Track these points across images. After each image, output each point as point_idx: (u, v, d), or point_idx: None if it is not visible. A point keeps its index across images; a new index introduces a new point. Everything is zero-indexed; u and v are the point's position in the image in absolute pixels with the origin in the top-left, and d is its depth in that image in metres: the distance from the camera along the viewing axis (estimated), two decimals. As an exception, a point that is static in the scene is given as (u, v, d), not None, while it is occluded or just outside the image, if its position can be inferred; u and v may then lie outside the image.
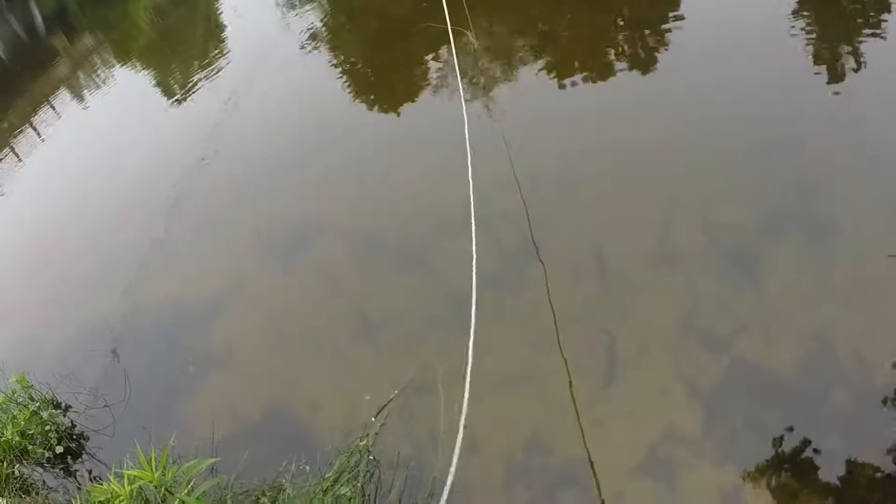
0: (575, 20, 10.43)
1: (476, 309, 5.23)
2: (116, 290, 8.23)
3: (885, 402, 4.87)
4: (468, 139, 6.92)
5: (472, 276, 5.52)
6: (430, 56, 10.67)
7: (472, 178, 6.38)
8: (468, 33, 9.68)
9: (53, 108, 15.94)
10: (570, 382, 5.46)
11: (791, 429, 4.87)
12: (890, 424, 4.74)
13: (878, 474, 4.57)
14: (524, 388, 5.59)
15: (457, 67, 8.21)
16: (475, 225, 5.93)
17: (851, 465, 4.63)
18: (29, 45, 22.12)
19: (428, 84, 10.13)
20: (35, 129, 15.07)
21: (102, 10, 21.68)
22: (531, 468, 5.09)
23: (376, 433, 5.56)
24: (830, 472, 4.65)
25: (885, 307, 5.35)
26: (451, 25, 9.26)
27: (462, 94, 8.20)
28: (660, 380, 5.34)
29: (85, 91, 16.24)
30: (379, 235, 7.69)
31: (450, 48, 8.99)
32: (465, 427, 4.59)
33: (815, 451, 4.76)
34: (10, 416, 6.38)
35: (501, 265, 6.66)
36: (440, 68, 10.33)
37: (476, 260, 5.68)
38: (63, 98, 16.41)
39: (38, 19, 22.08)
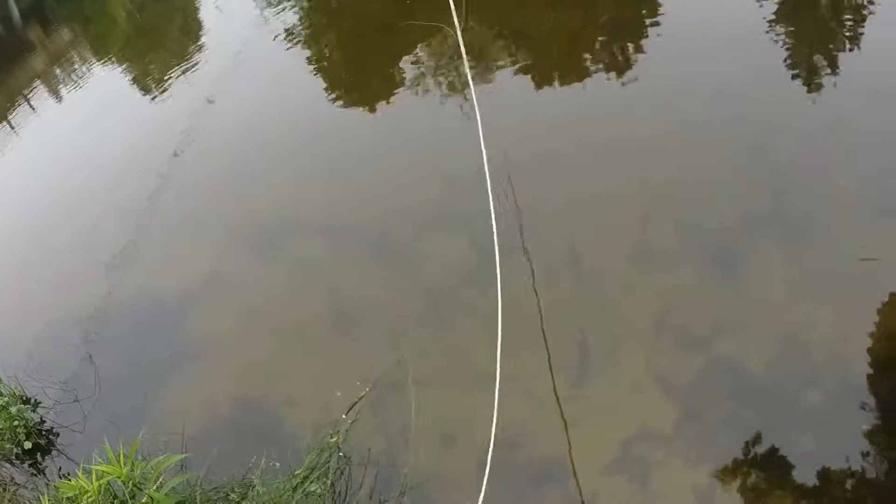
0: (558, 20, 10.44)
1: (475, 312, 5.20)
2: (89, 286, 8.14)
3: (857, 400, 4.90)
4: (482, 136, 6.86)
5: (446, 272, 5.52)
6: (415, 52, 10.65)
7: (488, 176, 6.33)
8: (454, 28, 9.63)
9: (29, 103, 15.75)
10: (550, 380, 5.45)
11: (765, 427, 4.92)
12: (862, 423, 4.78)
13: (851, 473, 4.61)
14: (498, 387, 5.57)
15: (466, 64, 8.17)
16: (453, 224, 5.92)
17: (824, 464, 4.68)
18: (5, 38, 21.84)
19: (406, 81, 10.09)
20: (10, 124, 14.88)
21: (79, 3, 21.44)
22: (504, 465, 5.07)
23: (347, 430, 5.54)
24: (803, 470, 4.70)
25: (858, 307, 5.38)
26: (436, 23, 9.24)
27: (472, 90, 8.11)
28: (634, 378, 5.36)
29: (61, 85, 16.04)
30: (356, 231, 7.64)
31: (428, 47, 8.96)
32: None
33: (789, 449, 4.81)
34: (-22, 411, 6.28)
35: (476, 264, 6.64)
36: (419, 65, 10.31)
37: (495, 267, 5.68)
38: (39, 92, 16.21)
39: (15, 12, 21.78)
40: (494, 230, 5.82)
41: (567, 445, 5.10)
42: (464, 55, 7.99)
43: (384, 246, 7.36)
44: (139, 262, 8.39)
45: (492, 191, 6.13)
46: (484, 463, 4.69)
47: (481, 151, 6.99)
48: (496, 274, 5.57)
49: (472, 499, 4.65)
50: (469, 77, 8.19)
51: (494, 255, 5.94)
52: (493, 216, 6.01)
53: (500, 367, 5.01)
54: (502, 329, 5.21)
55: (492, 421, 4.80)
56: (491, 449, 4.67)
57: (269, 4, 14.41)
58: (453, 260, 6.75)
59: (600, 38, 9.67)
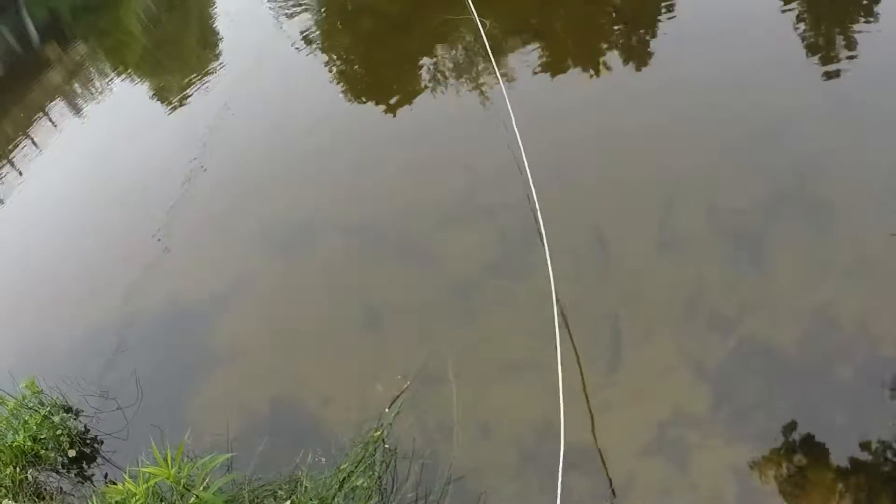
0: (575, 11, 10.46)
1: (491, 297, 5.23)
2: (121, 292, 8.27)
3: (888, 377, 4.91)
4: (517, 132, 6.94)
5: (475, 265, 5.53)
6: (433, 50, 10.72)
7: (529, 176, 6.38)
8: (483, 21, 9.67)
9: (49, 118, 15.94)
10: (583, 365, 5.49)
11: (799, 405, 4.92)
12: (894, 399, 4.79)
13: (886, 447, 4.62)
14: (531, 374, 5.63)
15: (492, 59, 8.26)
16: (480, 215, 5.94)
17: (859, 439, 4.67)
18: (22, 55, 22.07)
19: (425, 78, 10.16)
20: (32, 139, 15.07)
21: (95, 18, 21.61)
22: (542, 451, 5.12)
23: (391, 423, 5.59)
24: (839, 446, 4.70)
25: (888, 283, 5.38)
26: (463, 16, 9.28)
27: (503, 87, 8.17)
28: (666, 361, 5.38)
29: (80, 100, 16.21)
30: (382, 228, 7.72)
31: (445, 43, 9.00)
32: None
33: (823, 426, 4.81)
34: (22, 422, 6.40)
35: (504, 253, 6.70)
36: (433, 65, 10.37)
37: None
38: (59, 107, 16.39)
39: (31, 29, 22.04)
40: (534, 220, 5.82)
41: (603, 430, 5.14)
42: (488, 48, 8.02)
43: (410, 240, 7.45)
44: (168, 268, 8.52)
45: (518, 180, 6.16)
46: (524, 452, 4.74)
47: (511, 140, 7.08)
48: (526, 263, 5.60)
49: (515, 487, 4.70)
50: (496, 70, 8.25)
51: (523, 244, 6.00)
52: (536, 201, 6.07)
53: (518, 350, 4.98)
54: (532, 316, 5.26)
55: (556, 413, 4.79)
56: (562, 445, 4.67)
57: (284, 12, 14.50)
58: (481, 251, 6.82)
59: (618, 28, 9.69)
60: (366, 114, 10.20)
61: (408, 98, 9.96)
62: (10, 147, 14.83)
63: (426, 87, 9.97)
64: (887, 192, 6.03)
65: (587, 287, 6.13)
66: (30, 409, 6.52)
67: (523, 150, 6.70)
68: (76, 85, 17.26)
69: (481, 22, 9.12)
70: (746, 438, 4.87)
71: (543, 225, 6.06)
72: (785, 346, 5.27)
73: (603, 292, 6.09)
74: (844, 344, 5.19)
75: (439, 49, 10.66)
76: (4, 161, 14.25)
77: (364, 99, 10.62)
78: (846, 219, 5.99)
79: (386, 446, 5.39)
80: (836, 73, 7.48)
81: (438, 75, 10.08)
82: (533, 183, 6.35)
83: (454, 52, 10.48)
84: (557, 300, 5.47)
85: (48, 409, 6.53)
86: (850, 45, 7.86)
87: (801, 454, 4.76)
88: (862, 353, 5.13)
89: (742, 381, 5.17)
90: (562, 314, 5.64)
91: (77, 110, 15.76)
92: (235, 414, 6.22)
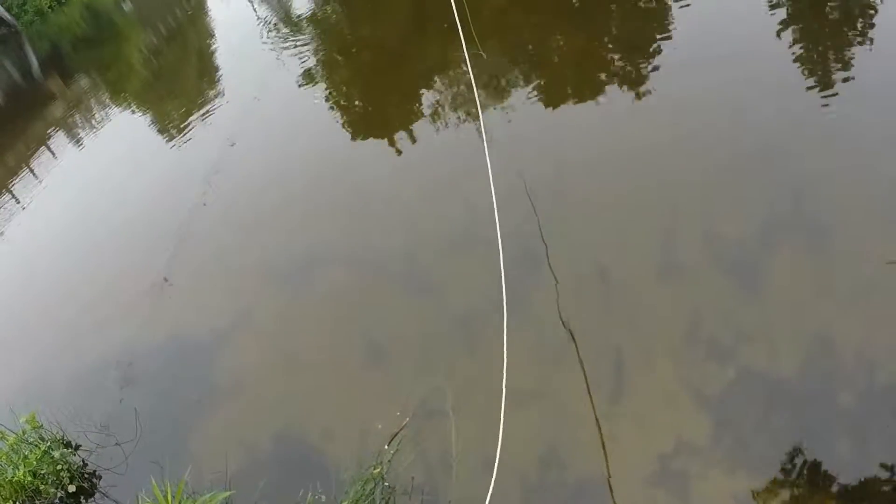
0: (569, 38, 10.55)
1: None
2: (122, 326, 8.29)
3: (888, 402, 4.89)
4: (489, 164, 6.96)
5: (474, 297, 5.53)
6: (430, 82, 10.80)
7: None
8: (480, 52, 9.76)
9: (51, 151, 16.06)
10: (586, 396, 5.48)
11: (800, 433, 4.90)
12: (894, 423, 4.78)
13: (889, 472, 4.59)
14: (535, 405, 5.62)
15: (476, 89, 8.29)
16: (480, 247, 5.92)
17: (861, 465, 4.65)
18: (25, 87, 22.30)
19: (421, 113, 10.22)
20: (33, 172, 15.17)
21: (96, 51, 21.85)
22: (546, 484, 5.10)
23: (389, 460, 5.57)
24: (841, 472, 4.67)
25: (886, 308, 5.39)
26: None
27: (481, 116, 8.25)
28: (668, 391, 5.37)
29: (82, 132, 16.36)
30: (382, 262, 7.73)
31: (443, 75, 9.06)
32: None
33: (825, 452, 4.78)
34: (22, 456, 6.40)
35: (501, 285, 6.70)
36: (432, 97, 10.45)
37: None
38: (60, 140, 16.53)
39: (34, 62, 22.29)
40: (533, 251, 5.85)
41: (605, 462, 5.12)
42: (473, 82, 8.09)
43: (409, 274, 7.45)
44: (170, 301, 8.55)
45: (518, 211, 6.15)
46: (528, 484, 4.71)
47: (506, 173, 7.08)
48: (527, 293, 5.57)
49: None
50: (479, 104, 8.31)
51: (524, 274, 5.95)
52: (533, 235, 6.05)
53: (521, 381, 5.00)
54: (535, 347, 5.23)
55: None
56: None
57: (284, 45, 14.65)
58: (478, 283, 6.81)
59: (612, 55, 9.76)
60: (366, 146, 10.27)
61: (407, 130, 10.02)
62: (12, 178, 14.93)
63: (425, 118, 10.03)
64: (884, 216, 6.04)
65: (589, 317, 6.13)
66: (30, 444, 6.53)
67: (526, 182, 6.71)
68: (77, 117, 17.41)
69: (475, 54, 9.19)
70: (748, 467, 4.84)
71: (548, 253, 6.05)
72: (784, 373, 5.25)
73: (603, 322, 6.08)
74: (844, 370, 5.16)
75: (438, 82, 10.76)
76: (6, 192, 14.34)
77: (364, 131, 10.69)
78: (843, 243, 5.99)
79: (385, 483, 5.36)
80: (832, 95, 7.48)
81: (437, 107, 10.16)
82: (536, 210, 6.34)
83: (452, 84, 10.57)
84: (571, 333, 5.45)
85: (48, 444, 6.54)
86: (846, 66, 7.87)
87: (803, 481, 4.73)
88: (862, 378, 5.11)
89: (742, 410, 5.15)
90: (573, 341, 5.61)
91: (78, 142, 15.89)
92: (236, 449, 6.22)
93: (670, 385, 5.40)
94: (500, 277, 5.81)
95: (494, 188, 6.48)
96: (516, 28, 11.51)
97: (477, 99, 8.30)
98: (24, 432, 6.58)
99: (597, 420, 5.35)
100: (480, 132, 8.95)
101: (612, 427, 5.30)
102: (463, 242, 7.42)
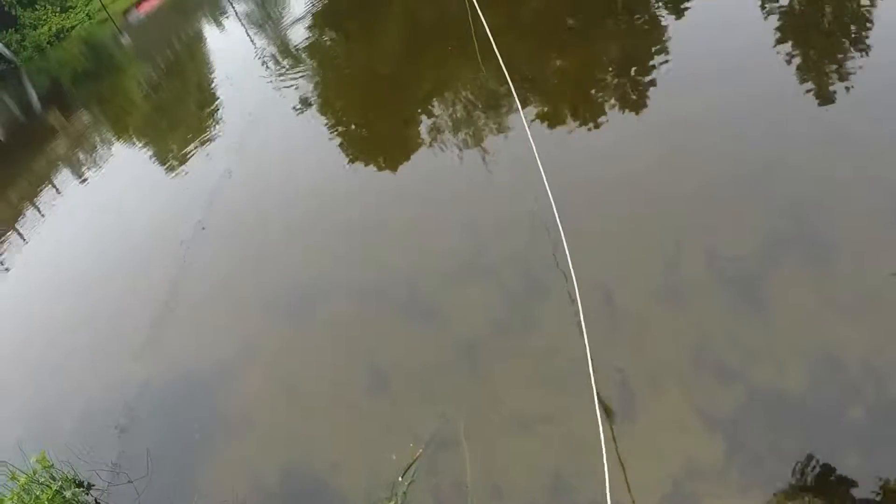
0: (567, 63, 10.61)
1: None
2: (128, 361, 8.30)
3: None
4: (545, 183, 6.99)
5: (478, 323, 5.51)
6: (430, 109, 10.86)
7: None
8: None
9: (53, 185, 16.13)
10: (594, 423, 5.46)
11: (811, 450, 4.89)
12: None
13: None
14: (543, 431, 5.61)
15: (518, 107, 8.34)
16: (483, 273, 5.94)
17: (874, 481, 4.64)
18: (26, 123, 22.43)
19: (419, 139, 10.26)
20: (36, 207, 15.24)
21: (95, 85, 22.00)
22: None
23: (405, 492, 5.57)
24: (854, 488, 4.65)
25: (889, 322, 5.39)
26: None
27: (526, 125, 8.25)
28: (677, 414, 5.36)
29: (83, 166, 16.44)
30: (384, 289, 7.73)
31: (440, 100, 9.07)
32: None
33: (838, 468, 4.77)
34: (34, 497, 6.38)
35: (509, 310, 6.72)
36: (430, 122, 10.50)
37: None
38: (62, 174, 16.62)
39: (34, 97, 22.44)
40: (537, 276, 5.82)
41: (617, 487, 5.10)
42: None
43: (412, 301, 7.44)
44: (173, 337, 8.55)
45: (517, 237, 6.11)
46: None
47: (506, 199, 7.04)
48: (531, 320, 5.54)
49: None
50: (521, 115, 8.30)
51: (527, 301, 5.92)
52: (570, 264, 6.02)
53: (528, 407, 4.96)
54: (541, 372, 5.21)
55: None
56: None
57: (281, 75, 14.76)
58: (484, 309, 6.83)
59: (609, 74, 9.81)
60: (365, 174, 10.29)
61: (405, 156, 10.07)
62: (15, 214, 15.00)
63: (423, 145, 10.07)
64: (887, 226, 6.05)
65: (595, 341, 6.11)
66: (41, 483, 6.50)
67: (553, 204, 6.71)
68: (78, 152, 17.50)
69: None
70: (761, 486, 4.83)
71: (575, 280, 6.04)
72: (793, 390, 5.25)
73: (610, 346, 6.07)
74: (852, 384, 5.16)
75: (435, 108, 10.81)
76: (10, 229, 14.40)
77: (363, 159, 10.71)
78: (847, 256, 5.98)
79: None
80: (831, 107, 7.50)
81: (435, 133, 10.20)
82: (562, 233, 6.38)
83: (449, 109, 10.62)
84: (591, 359, 5.45)
85: (59, 483, 6.52)
86: (843, 77, 7.86)
87: (817, 499, 4.71)
88: (871, 392, 5.10)
89: (752, 430, 5.14)
90: (593, 367, 5.62)
91: (80, 177, 15.96)
92: (245, 484, 6.20)
93: (680, 408, 5.40)
94: (506, 302, 5.77)
95: (484, 214, 6.46)
96: (511, 47, 11.57)
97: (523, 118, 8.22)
98: (35, 472, 6.57)
99: (614, 441, 5.34)
100: (485, 157, 9.03)
101: (621, 451, 5.29)
102: (469, 268, 7.42)
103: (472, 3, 11.25)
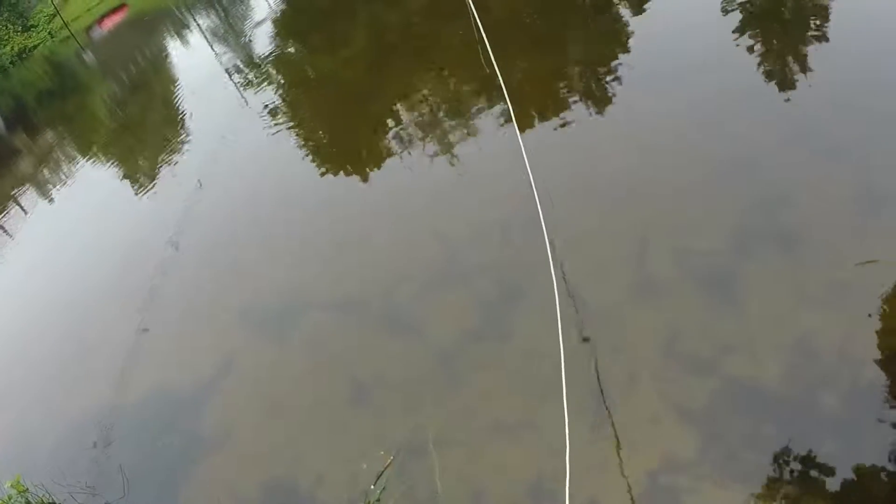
0: (533, 64, 10.64)
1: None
2: (103, 382, 8.20)
3: (873, 399, 4.93)
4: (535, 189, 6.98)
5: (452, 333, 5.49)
6: (395, 114, 10.85)
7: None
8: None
9: (20, 206, 15.93)
10: (569, 420, 5.47)
11: (787, 439, 4.93)
12: (882, 420, 4.82)
13: (879, 473, 4.62)
14: (519, 434, 5.61)
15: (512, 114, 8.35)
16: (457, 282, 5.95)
17: (851, 466, 4.68)
18: (-9, 145, 22.15)
19: (389, 147, 10.24)
20: (2, 228, 15.03)
21: (60, 104, 21.75)
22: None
23: (377, 500, 5.54)
24: (831, 475, 4.69)
25: (861, 308, 5.45)
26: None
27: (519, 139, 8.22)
28: (651, 409, 5.38)
29: (50, 186, 16.25)
30: (361, 302, 7.69)
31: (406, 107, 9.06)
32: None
33: (814, 456, 4.81)
34: (8, 524, 6.31)
35: (483, 317, 6.72)
36: (399, 130, 10.47)
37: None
38: (29, 195, 16.40)
39: (-1, 120, 22.17)
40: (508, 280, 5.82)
41: (595, 485, 5.11)
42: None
43: (389, 313, 7.41)
44: (150, 356, 8.46)
45: (489, 242, 6.13)
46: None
47: (475, 204, 7.02)
48: (505, 324, 5.54)
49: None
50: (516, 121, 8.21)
51: (501, 305, 5.93)
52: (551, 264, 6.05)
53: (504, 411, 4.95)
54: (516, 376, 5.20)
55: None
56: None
57: (247, 87, 14.70)
58: (459, 319, 6.82)
59: (574, 77, 9.86)
60: (336, 184, 10.23)
61: (376, 165, 10.06)
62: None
63: (394, 153, 10.06)
64: (853, 218, 6.11)
65: (567, 339, 6.12)
66: (16, 509, 6.41)
67: (538, 203, 6.71)
68: (45, 171, 17.30)
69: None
70: (738, 478, 4.85)
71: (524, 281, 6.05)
72: (767, 380, 5.28)
73: (582, 343, 6.09)
74: (826, 372, 5.20)
75: (402, 114, 10.79)
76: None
77: (334, 170, 10.67)
78: (816, 249, 6.05)
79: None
80: (794, 98, 7.57)
81: (404, 140, 10.18)
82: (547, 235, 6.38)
83: (417, 115, 10.61)
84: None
85: (34, 508, 6.42)
86: (805, 69, 7.95)
87: (794, 486, 4.75)
88: (845, 379, 5.15)
89: (728, 421, 5.17)
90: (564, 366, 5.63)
91: (47, 197, 15.77)
92: (226, 500, 6.13)
93: (655, 403, 5.42)
94: (479, 311, 5.77)
95: (456, 223, 6.43)
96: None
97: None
98: (9, 497, 6.47)
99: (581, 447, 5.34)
100: (454, 164, 9.02)
101: (598, 451, 5.30)
102: (444, 275, 7.42)
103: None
